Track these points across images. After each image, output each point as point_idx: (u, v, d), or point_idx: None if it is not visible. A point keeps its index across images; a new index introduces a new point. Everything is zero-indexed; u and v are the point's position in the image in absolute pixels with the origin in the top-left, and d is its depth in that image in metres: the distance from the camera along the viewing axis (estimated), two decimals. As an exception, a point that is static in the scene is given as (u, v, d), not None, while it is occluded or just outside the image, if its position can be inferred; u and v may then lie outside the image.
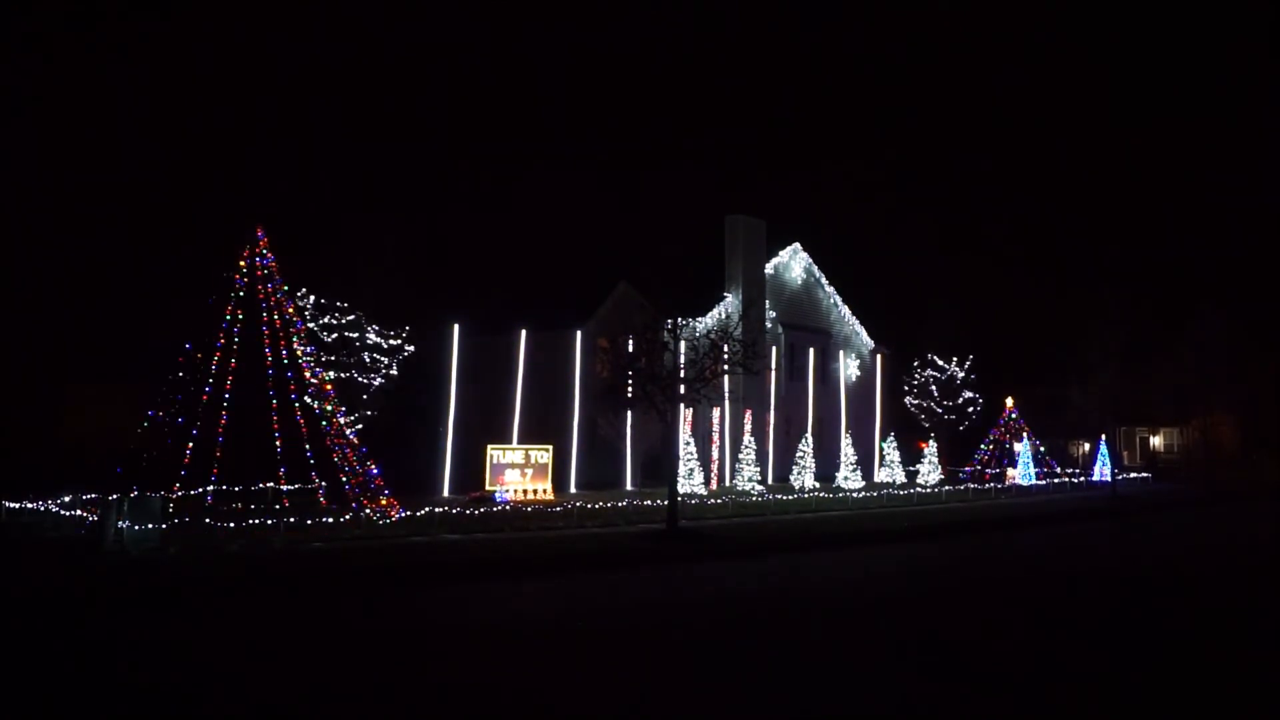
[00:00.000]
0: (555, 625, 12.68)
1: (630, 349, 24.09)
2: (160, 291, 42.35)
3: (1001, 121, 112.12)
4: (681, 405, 23.87)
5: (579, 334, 35.46)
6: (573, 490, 32.59)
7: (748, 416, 36.86)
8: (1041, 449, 46.19)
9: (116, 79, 71.27)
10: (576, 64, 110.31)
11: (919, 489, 36.45)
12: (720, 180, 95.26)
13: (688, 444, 32.67)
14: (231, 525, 18.44)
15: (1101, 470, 44.89)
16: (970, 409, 46.59)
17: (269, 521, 18.91)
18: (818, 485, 35.44)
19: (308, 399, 23.92)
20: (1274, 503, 37.10)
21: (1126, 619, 13.51)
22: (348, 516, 20.47)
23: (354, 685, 9.45)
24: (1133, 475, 48.10)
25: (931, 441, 44.04)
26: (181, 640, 11.56)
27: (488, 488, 28.20)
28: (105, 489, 20.31)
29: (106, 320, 42.74)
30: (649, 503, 26.02)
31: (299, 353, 24.11)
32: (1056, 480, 44.11)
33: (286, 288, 24.54)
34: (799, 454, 36.31)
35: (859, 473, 38.26)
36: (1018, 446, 44.50)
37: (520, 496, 28.16)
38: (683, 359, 23.27)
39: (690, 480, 31.72)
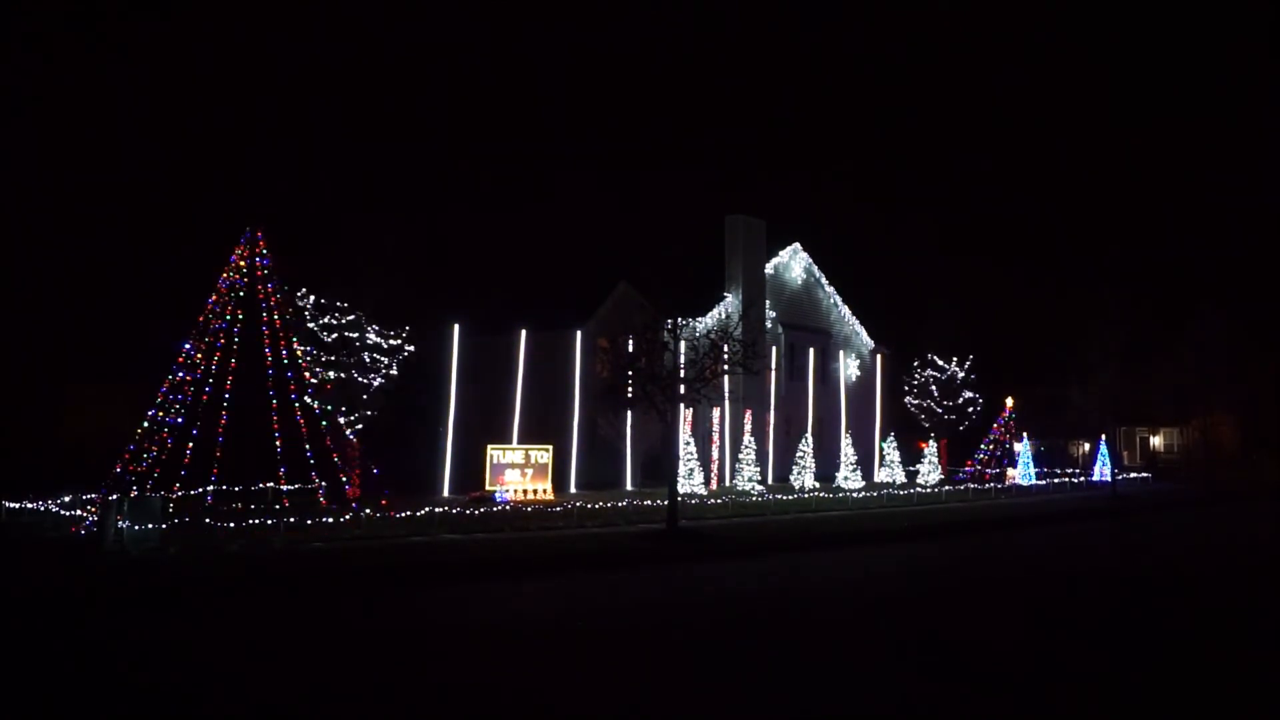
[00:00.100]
0: (555, 625, 12.68)
1: (630, 349, 24.09)
2: (160, 291, 42.39)
3: (1001, 121, 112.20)
4: (681, 405, 23.87)
5: (579, 334, 35.46)
6: (573, 490, 32.59)
7: (748, 416, 36.85)
8: (1041, 449, 46.19)
9: (116, 79, 71.29)
10: (576, 64, 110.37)
11: (919, 489, 36.44)
12: (720, 180, 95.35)
13: (688, 444, 32.66)
14: (231, 525, 18.45)
15: (1101, 470, 44.89)
16: (970, 409, 46.58)
17: (269, 521, 18.91)
18: (818, 485, 35.44)
19: (308, 399, 23.94)
20: (1274, 503, 37.11)
21: (1126, 619, 13.51)
22: (348, 516, 20.47)
23: (354, 685, 9.45)
24: (1133, 475, 48.10)
25: (931, 441, 44.03)
26: (181, 640, 11.56)
27: (488, 488, 28.20)
28: (105, 489, 20.33)
29: (106, 320, 42.78)
30: (649, 503, 26.02)
31: (299, 353, 24.13)
32: (1056, 480, 44.10)
33: (286, 288, 24.55)
34: (799, 454, 36.31)
35: (859, 473, 38.26)
36: (1018, 446, 44.50)
37: (520, 496, 28.16)
38: (683, 359, 23.27)
39: (690, 480, 31.73)
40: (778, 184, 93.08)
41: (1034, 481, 42.83)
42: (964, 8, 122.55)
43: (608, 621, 13.04)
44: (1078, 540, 24.74)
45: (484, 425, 32.70)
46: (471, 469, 29.78)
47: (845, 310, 46.89)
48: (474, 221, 71.08)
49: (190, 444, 21.94)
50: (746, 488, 33.19)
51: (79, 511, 19.74)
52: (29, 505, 20.59)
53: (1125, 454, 60.82)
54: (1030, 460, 44.02)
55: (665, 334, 23.03)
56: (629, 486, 33.94)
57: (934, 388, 46.53)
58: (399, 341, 28.97)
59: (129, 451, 21.66)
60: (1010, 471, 43.87)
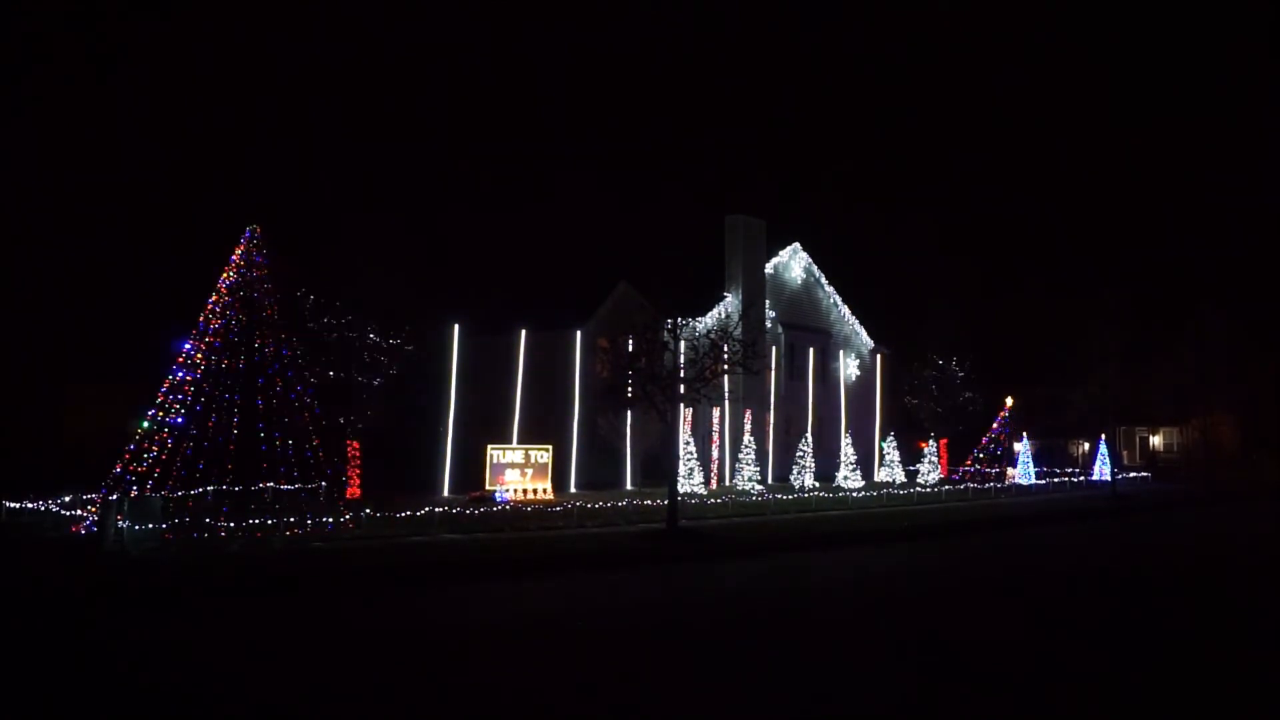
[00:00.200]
0: (555, 625, 12.68)
1: (630, 349, 24.08)
2: (160, 291, 42.39)
3: (1001, 121, 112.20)
4: (681, 405, 23.86)
5: (579, 334, 35.45)
6: (573, 490, 32.59)
7: (748, 416, 36.84)
8: (1041, 449, 46.18)
9: (116, 79, 71.28)
10: (576, 64, 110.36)
11: (919, 489, 36.44)
12: (720, 180, 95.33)
13: (688, 444, 32.67)
14: (231, 525, 18.46)
15: (1101, 470, 44.89)
16: (970, 409, 46.57)
17: (269, 521, 18.92)
18: (817, 485, 35.43)
19: (308, 399, 23.93)
20: (1274, 503, 37.11)
21: (1126, 619, 13.51)
22: (348, 516, 20.47)
23: (354, 685, 9.45)
24: (1132, 475, 48.08)
25: (931, 441, 44.03)
26: (181, 640, 11.56)
27: (488, 488, 28.21)
28: (105, 489, 20.34)
29: (106, 320, 42.79)
30: (649, 502, 26.02)
31: (298, 352, 24.12)
32: (1056, 480, 44.10)
33: (286, 287, 24.55)
34: (799, 454, 36.31)
35: (859, 472, 38.26)
36: (1017, 446, 44.50)
37: (520, 496, 28.16)
38: (683, 359, 23.27)
39: (690, 480, 31.73)
40: (778, 184, 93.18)
41: (1034, 481, 42.82)
42: (964, 8, 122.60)
43: (608, 621, 13.04)
44: (1078, 540, 24.73)
45: (484, 425, 32.70)
46: (471, 469, 29.78)
47: (845, 310, 46.89)
48: (474, 221, 71.13)
49: (190, 444, 21.94)
50: (746, 487, 33.19)
51: (79, 511, 19.74)
52: (29, 505, 20.59)
53: (1125, 454, 60.82)
54: (1030, 460, 44.02)
55: (665, 334, 23.03)
56: (629, 486, 33.94)
57: (934, 388, 46.52)
58: (399, 341, 28.96)
59: (129, 451, 21.65)
60: (1010, 471, 43.87)
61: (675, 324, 23.23)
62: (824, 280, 45.76)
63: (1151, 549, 23.08)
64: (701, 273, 37.15)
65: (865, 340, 47.84)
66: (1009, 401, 46.61)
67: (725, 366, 22.99)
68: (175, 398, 22.42)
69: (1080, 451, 59.72)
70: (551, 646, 11.31)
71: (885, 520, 25.81)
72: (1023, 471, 43.37)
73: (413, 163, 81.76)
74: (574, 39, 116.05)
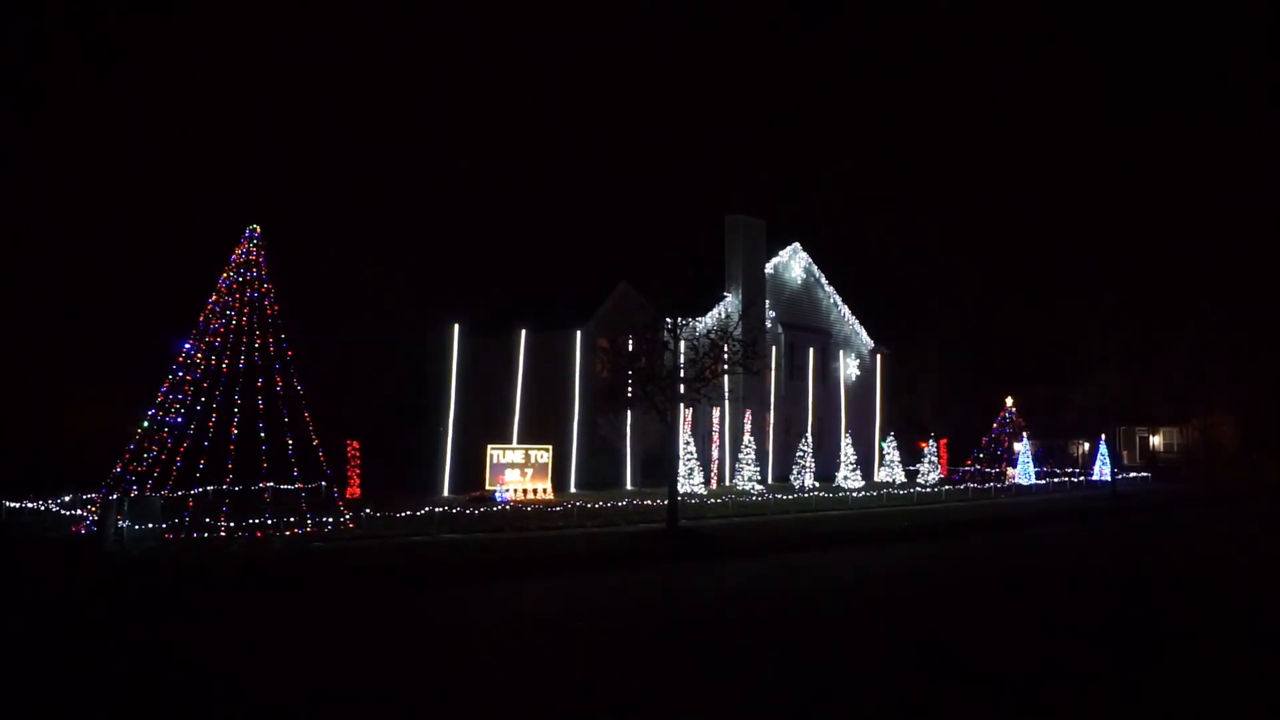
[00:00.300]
0: (555, 625, 12.68)
1: (630, 349, 24.09)
2: (160, 291, 42.36)
3: (1001, 121, 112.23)
4: (681, 405, 23.87)
5: (579, 334, 35.45)
6: (573, 490, 32.60)
7: (747, 416, 36.85)
8: (1041, 449, 46.18)
9: (116, 79, 71.27)
10: (576, 64, 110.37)
11: (919, 489, 36.43)
12: (720, 180, 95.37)
13: (688, 444, 32.67)
14: (231, 525, 18.45)
15: (1101, 470, 44.89)
16: (970, 409, 46.58)
17: (269, 521, 18.92)
18: (817, 485, 35.44)
19: (307, 399, 23.89)
20: (1274, 503, 37.12)
21: (1126, 619, 13.51)
22: (348, 516, 20.47)
23: (354, 685, 9.45)
24: (1132, 475, 48.09)
25: (931, 441, 44.05)
26: (181, 640, 11.56)
27: (488, 487, 28.21)
28: (105, 489, 20.33)
29: (106, 320, 42.76)
30: (649, 502, 26.02)
31: (299, 352, 24.10)
32: (1056, 480, 44.10)
33: (286, 287, 24.53)
34: (799, 454, 36.31)
35: (859, 472, 38.26)
36: (1017, 446, 44.50)
37: (520, 496, 28.16)
38: (683, 359, 23.28)
39: (690, 480, 31.73)
40: (778, 184, 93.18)
41: (1034, 481, 42.82)
42: (964, 8, 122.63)
43: (608, 621, 13.04)
44: (1078, 540, 24.73)
45: (484, 425, 32.71)
46: (471, 469, 29.78)
47: (845, 310, 46.88)
48: (474, 221, 71.07)
49: (190, 444, 21.92)
50: (746, 487, 33.20)
51: (79, 511, 19.73)
52: (29, 505, 20.59)
53: (1125, 454, 60.84)
54: (1030, 460, 44.02)
55: (665, 334, 23.03)
56: (629, 486, 33.94)
57: (934, 388, 46.55)
58: (398, 341, 28.97)
59: (129, 451, 21.63)
60: (1010, 471, 43.87)
61: (675, 324, 23.23)
62: (824, 280, 45.76)
63: (1151, 549, 23.08)
64: (701, 273, 37.15)
65: (865, 340, 47.84)
66: (1009, 402, 46.62)
67: (725, 366, 22.99)
68: (175, 397, 22.40)
69: (1080, 451, 59.73)
70: (551, 646, 11.31)
71: (885, 520, 25.81)
72: (1023, 471, 43.37)
73: (413, 163, 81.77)
74: (574, 39, 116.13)
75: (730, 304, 37.66)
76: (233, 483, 21.97)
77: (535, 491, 28.96)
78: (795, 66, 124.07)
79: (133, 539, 16.55)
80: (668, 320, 23.24)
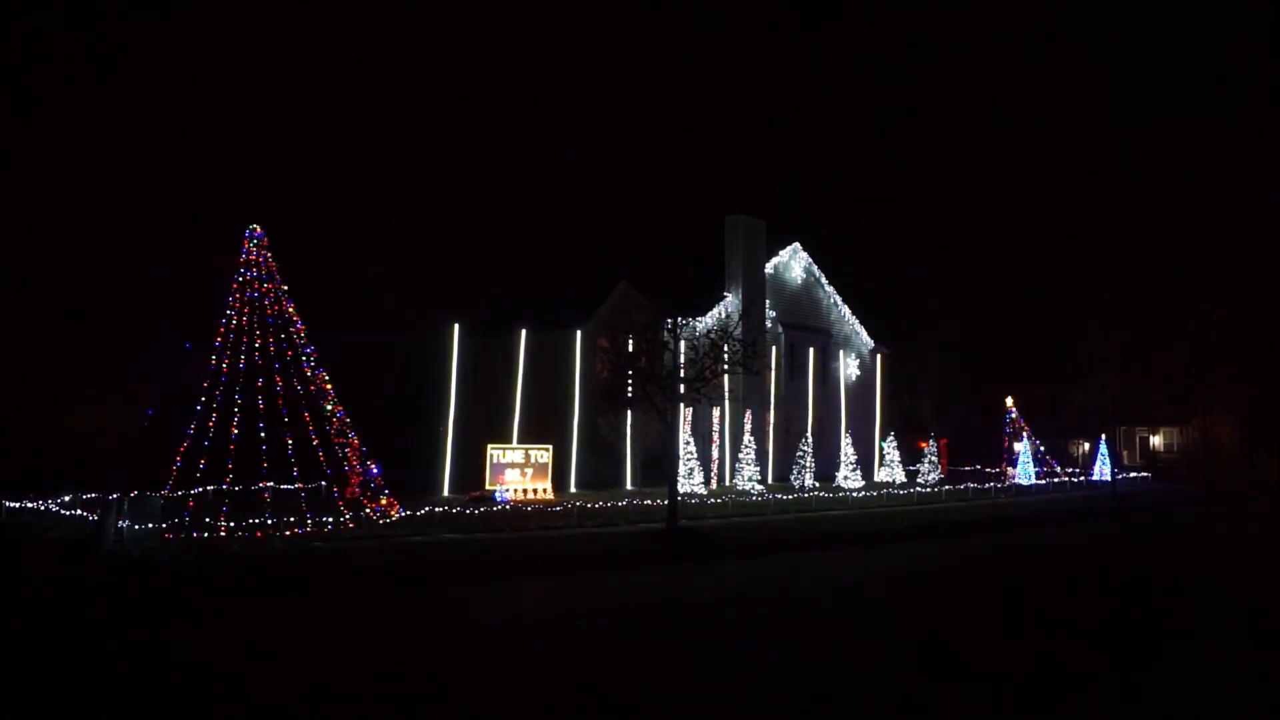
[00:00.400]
0: (555, 625, 12.68)
1: (630, 349, 24.10)
2: (160, 291, 42.37)
3: (1001, 121, 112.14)
4: (681, 405, 23.87)
5: (579, 334, 35.44)
6: (573, 490, 32.60)
7: (748, 416, 36.85)
8: (1041, 448, 46.17)
9: (116, 79, 71.24)
10: (576, 64, 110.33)
11: (919, 489, 36.42)
12: (720, 180, 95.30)
13: (688, 444, 32.67)
14: (232, 525, 18.46)
15: (1101, 470, 44.87)
16: (970, 409, 46.59)
17: (269, 521, 18.93)
18: (817, 485, 35.43)
19: (307, 399, 23.89)
20: (1274, 503, 37.10)
21: (1126, 619, 13.51)
22: (348, 516, 20.47)
23: (354, 685, 9.45)
24: (1132, 475, 48.07)
25: (931, 441, 44.05)
26: (181, 640, 11.56)
27: (488, 487, 28.21)
28: (105, 489, 20.33)
29: (106, 320, 42.74)
30: (649, 502, 26.03)
31: (299, 352, 24.11)
32: (1056, 480, 44.09)
33: (286, 287, 24.53)
34: (799, 454, 36.31)
35: (859, 472, 38.26)
36: (1018, 446, 44.50)
37: (520, 496, 28.17)
38: (683, 359, 23.28)
39: (690, 480, 31.73)
40: (778, 184, 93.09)
41: (1034, 481, 42.81)
42: (964, 8, 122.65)
43: (608, 621, 13.04)
44: (1078, 540, 24.73)
45: (484, 425, 32.71)
46: (471, 469, 29.79)
47: (845, 310, 46.88)
48: (474, 221, 71.03)
49: (190, 444, 21.93)
50: (746, 487, 33.20)
51: (79, 511, 19.74)
52: (29, 505, 20.59)
53: (1125, 454, 60.85)
54: (1030, 460, 44.02)
55: (665, 334, 23.04)
56: (629, 486, 33.94)
57: (934, 388, 46.56)
58: (398, 341, 28.97)
59: (129, 451, 21.65)
60: (1010, 471, 43.87)
61: (675, 324, 23.24)
62: (824, 280, 45.76)
63: (1151, 549, 23.08)
64: (701, 273, 37.17)
65: (865, 340, 47.84)
66: (1009, 402, 46.63)
67: (725, 366, 22.99)
68: (176, 397, 22.41)
69: (1080, 452, 59.73)
70: (551, 646, 11.31)
71: (885, 520, 25.81)
72: (1023, 471, 43.37)
73: (413, 162, 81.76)
74: (574, 39, 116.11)
75: (730, 304, 37.66)
76: (233, 483, 21.98)
77: (535, 491, 28.96)
78: (795, 66, 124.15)
79: (133, 539, 16.56)
80: (668, 320, 23.25)
